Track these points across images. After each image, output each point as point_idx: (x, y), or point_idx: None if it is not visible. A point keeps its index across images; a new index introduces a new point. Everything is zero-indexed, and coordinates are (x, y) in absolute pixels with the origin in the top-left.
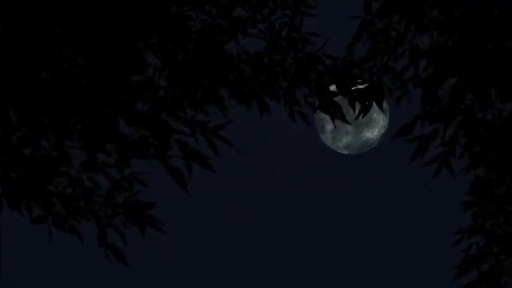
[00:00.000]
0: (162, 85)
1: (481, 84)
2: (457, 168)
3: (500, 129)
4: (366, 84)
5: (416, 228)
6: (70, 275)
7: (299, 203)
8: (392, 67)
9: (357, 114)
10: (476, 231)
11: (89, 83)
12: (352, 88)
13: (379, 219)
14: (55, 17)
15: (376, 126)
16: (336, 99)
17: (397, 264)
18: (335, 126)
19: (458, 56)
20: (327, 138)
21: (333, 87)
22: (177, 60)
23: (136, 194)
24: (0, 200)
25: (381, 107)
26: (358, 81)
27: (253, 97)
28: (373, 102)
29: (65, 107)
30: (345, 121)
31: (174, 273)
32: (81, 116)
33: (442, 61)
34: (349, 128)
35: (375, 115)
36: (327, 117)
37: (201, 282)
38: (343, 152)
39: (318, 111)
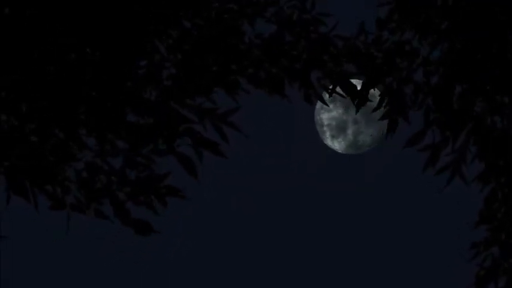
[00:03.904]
0: (170, 72)
1: (491, 90)
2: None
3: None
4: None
5: (417, 228)
6: (70, 274)
7: (299, 203)
8: (411, 78)
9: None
10: (492, 244)
11: (95, 72)
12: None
13: (379, 219)
14: (59, 7)
15: (376, 126)
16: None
17: (397, 264)
18: (357, 109)
19: (468, 63)
20: (327, 138)
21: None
22: (186, 46)
23: (149, 166)
24: (7, 193)
25: (406, 119)
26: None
27: (269, 82)
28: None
29: (72, 97)
30: (363, 102)
31: (182, 264)
32: (89, 106)
33: (451, 68)
34: (350, 127)
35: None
36: (328, 117)
37: (207, 274)
38: (343, 152)
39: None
